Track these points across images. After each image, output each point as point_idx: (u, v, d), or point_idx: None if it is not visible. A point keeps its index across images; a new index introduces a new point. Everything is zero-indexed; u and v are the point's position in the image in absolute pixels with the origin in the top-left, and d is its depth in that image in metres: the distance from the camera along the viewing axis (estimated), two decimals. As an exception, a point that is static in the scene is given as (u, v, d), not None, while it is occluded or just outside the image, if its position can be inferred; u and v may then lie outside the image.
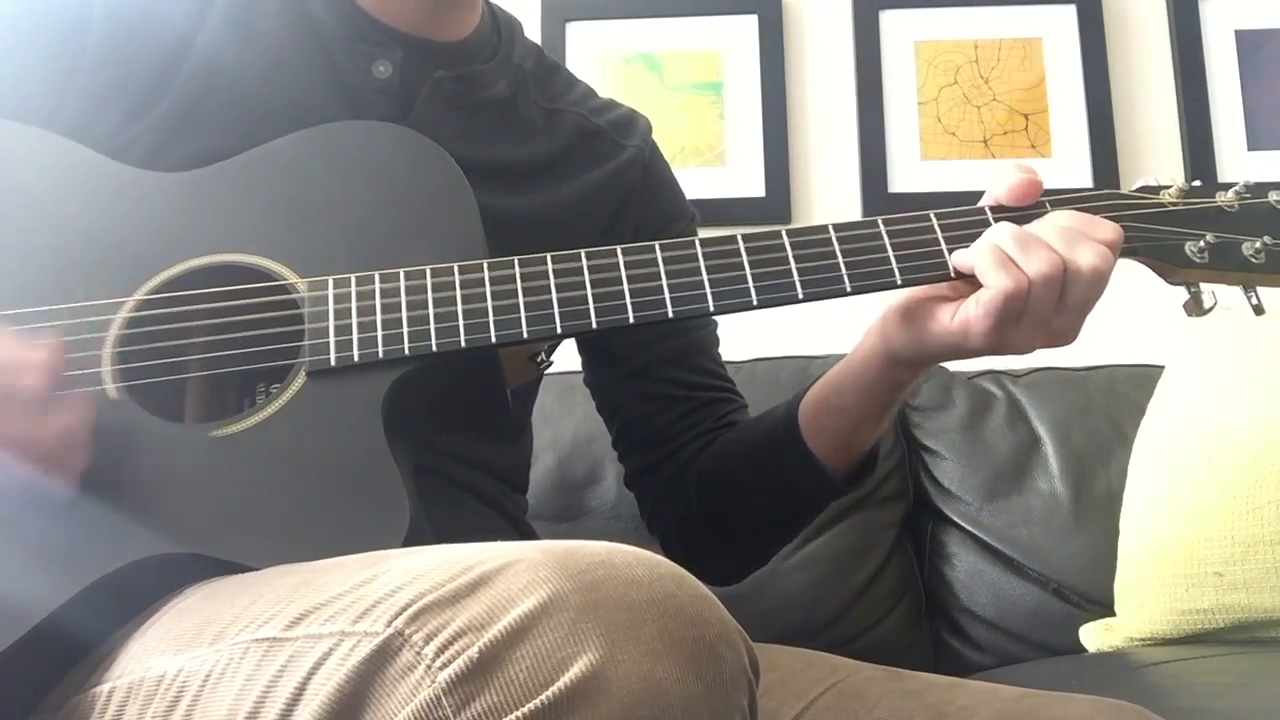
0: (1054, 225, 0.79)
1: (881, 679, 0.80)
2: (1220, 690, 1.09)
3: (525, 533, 1.01)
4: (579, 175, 1.00)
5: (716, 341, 1.10)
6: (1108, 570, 1.44)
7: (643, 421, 1.05)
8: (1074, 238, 0.78)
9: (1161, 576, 1.34)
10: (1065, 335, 0.80)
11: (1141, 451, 1.46)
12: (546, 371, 0.96)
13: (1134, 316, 1.71)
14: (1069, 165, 1.94)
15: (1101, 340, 1.75)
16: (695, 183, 1.91)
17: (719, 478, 1.00)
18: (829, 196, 1.97)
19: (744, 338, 1.65)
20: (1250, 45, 1.98)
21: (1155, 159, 1.96)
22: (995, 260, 0.77)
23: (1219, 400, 1.39)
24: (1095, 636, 1.43)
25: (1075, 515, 1.55)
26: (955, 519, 1.59)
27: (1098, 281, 0.78)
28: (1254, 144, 1.94)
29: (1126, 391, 1.63)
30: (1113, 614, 1.43)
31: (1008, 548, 1.56)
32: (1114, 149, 1.95)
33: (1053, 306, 0.77)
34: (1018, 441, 1.61)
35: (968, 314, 0.78)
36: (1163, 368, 1.51)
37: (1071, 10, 2.00)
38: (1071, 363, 1.68)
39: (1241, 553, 1.30)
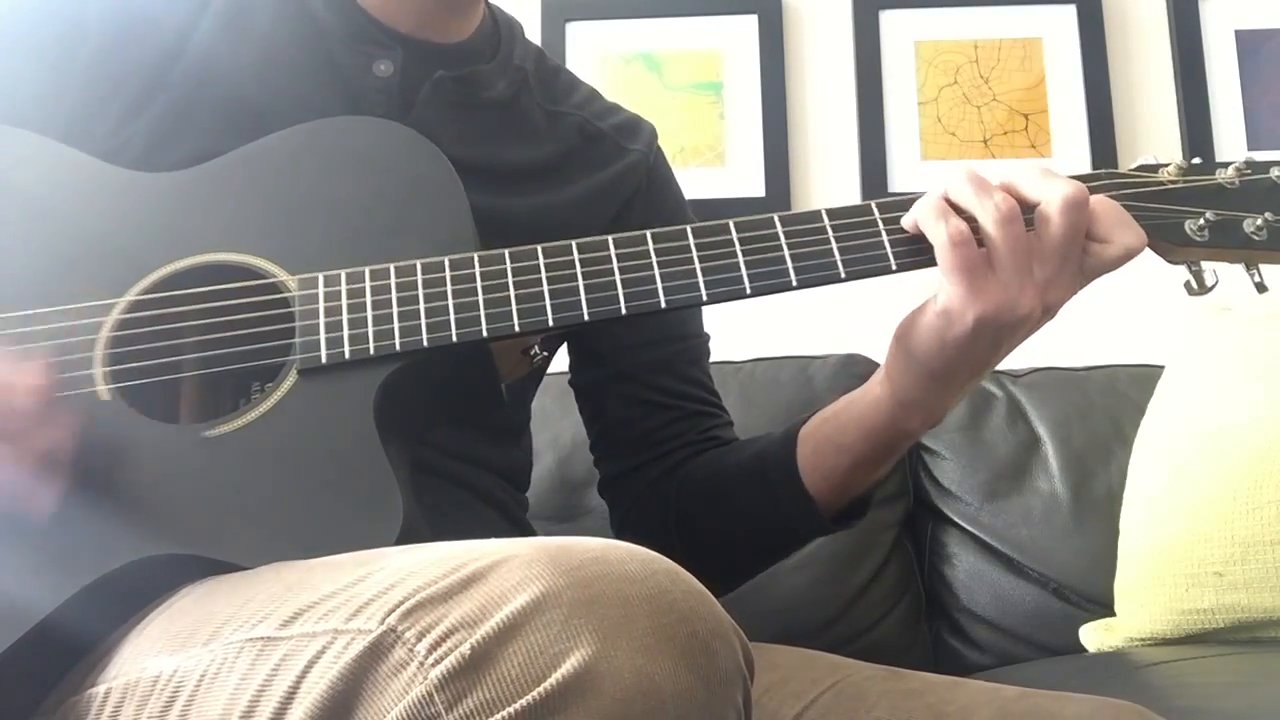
0: (1017, 165, 0.78)
1: (881, 679, 0.80)
2: (1220, 690, 1.09)
3: (526, 533, 1.01)
4: (581, 178, 0.99)
5: (706, 354, 1.08)
6: (1108, 570, 1.44)
7: (626, 425, 1.03)
8: (1037, 174, 0.77)
9: (1161, 576, 1.34)
10: (1056, 289, 0.76)
11: (1141, 451, 1.46)
12: (544, 368, 0.96)
13: (1134, 316, 1.71)
14: (1069, 165, 1.94)
15: (1101, 340, 1.76)
16: (695, 183, 1.91)
17: (702, 494, 0.98)
18: (829, 197, 1.97)
19: (744, 338, 1.65)
20: (1250, 45, 1.98)
21: (1155, 159, 1.96)
22: (934, 211, 0.75)
23: (1219, 400, 1.39)
24: (1095, 636, 1.43)
25: (1075, 515, 1.54)
26: (955, 519, 1.59)
27: (1072, 214, 0.75)
28: (1254, 144, 1.94)
29: (1126, 391, 1.63)
30: (1113, 614, 1.43)
31: (1008, 548, 1.56)
32: (1114, 149, 1.95)
33: (1025, 248, 0.75)
34: (1018, 441, 1.60)
35: (942, 289, 0.76)
36: (1163, 368, 1.51)
37: (1071, 10, 2.00)
38: (1071, 363, 1.68)
39: (1241, 553, 1.29)
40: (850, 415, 0.88)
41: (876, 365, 0.87)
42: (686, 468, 1.00)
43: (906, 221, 0.78)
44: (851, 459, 0.88)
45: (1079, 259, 0.77)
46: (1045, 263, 0.76)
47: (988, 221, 0.75)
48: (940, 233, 0.75)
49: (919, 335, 0.80)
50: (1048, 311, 0.77)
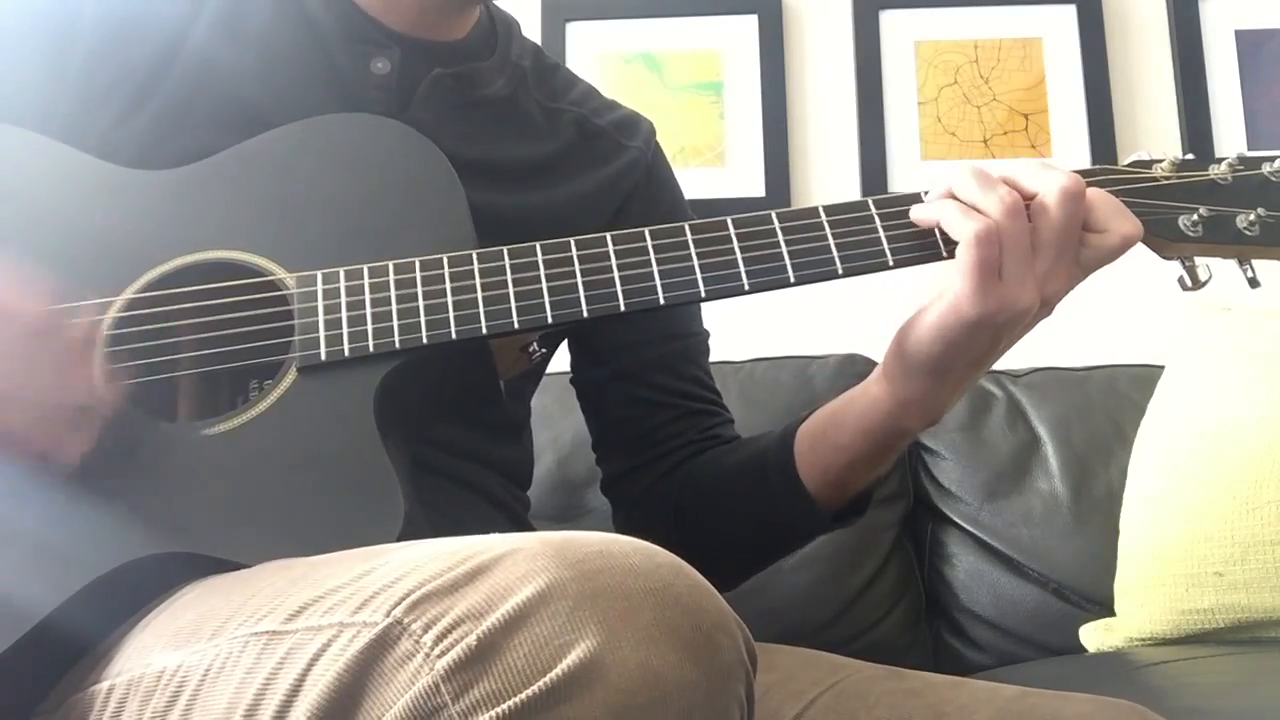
0: (1014, 161, 0.79)
1: (881, 678, 0.80)
2: (1220, 690, 1.09)
3: (527, 531, 1.01)
4: (580, 174, 0.99)
5: (706, 352, 1.08)
6: (1108, 570, 1.44)
7: (627, 424, 1.03)
8: (1035, 167, 0.78)
9: (1161, 576, 1.34)
10: (1054, 281, 0.77)
11: (1141, 451, 1.46)
12: (543, 366, 0.95)
13: (1134, 316, 1.71)
14: (1068, 165, 1.93)
15: (1101, 340, 1.76)
16: (695, 183, 1.91)
17: (703, 493, 0.98)
18: (829, 197, 1.95)
19: (744, 338, 1.65)
20: (1250, 45, 1.98)
21: (1155, 159, 1.96)
22: (956, 208, 0.76)
23: (1219, 400, 1.39)
24: (1095, 636, 1.43)
25: (1075, 515, 1.55)
26: (955, 519, 1.59)
27: (1069, 205, 0.76)
28: (1254, 144, 1.94)
29: (1126, 391, 1.63)
30: (1113, 614, 1.43)
31: (1008, 548, 1.56)
32: (1114, 149, 1.95)
33: (1026, 241, 0.76)
34: (1018, 441, 1.61)
35: (952, 286, 0.76)
36: (1163, 368, 1.51)
37: (1071, 10, 2.00)
38: (1071, 363, 1.68)
39: (1241, 553, 1.30)
40: (849, 414, 0.88)
41: (876, 365, 0.87)
42: (688, 467, 1.00)
43: (919, 215, 0.79)
44: (850, 457, 0.88)
45: (1076, 250, 0.78)
46: (1043, 254, 0.77)
47: (995, 215, 0.76)
48: (967, 229, 0.75)
49: (920, 334, 0.80)
50: (1046, 304, 0.78)
